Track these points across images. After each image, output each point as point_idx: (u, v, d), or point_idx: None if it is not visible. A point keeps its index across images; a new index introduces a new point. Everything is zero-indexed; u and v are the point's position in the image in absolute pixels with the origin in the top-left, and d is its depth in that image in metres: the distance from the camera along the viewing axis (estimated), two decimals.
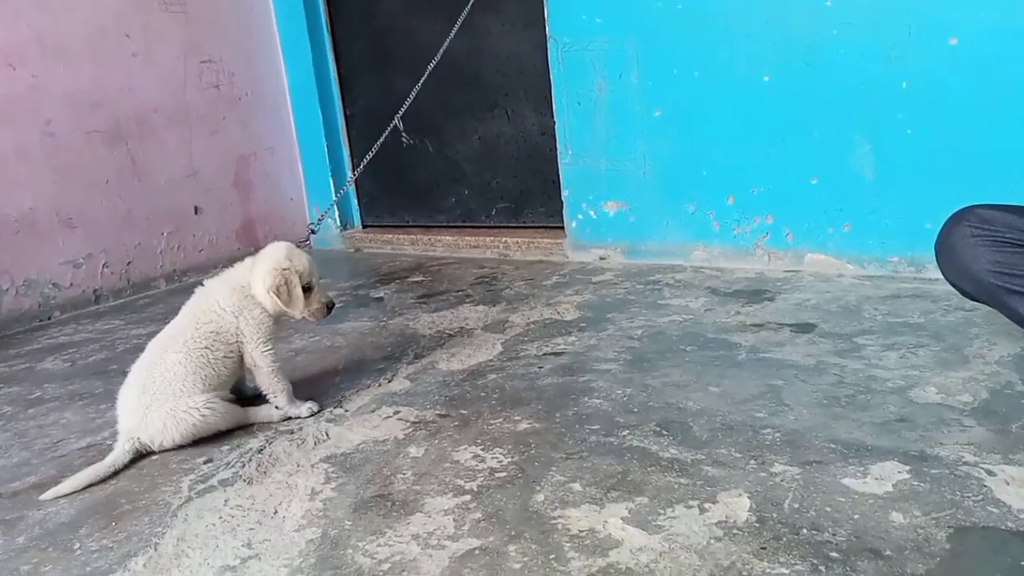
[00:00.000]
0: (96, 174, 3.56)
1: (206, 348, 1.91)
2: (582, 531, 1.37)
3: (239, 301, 1.97)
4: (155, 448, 1.85)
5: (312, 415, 2.01)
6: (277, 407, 2.00)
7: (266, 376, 1.98)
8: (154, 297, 3.68)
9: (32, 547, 1.51)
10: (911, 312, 2.31)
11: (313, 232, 2.41)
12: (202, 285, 2.02)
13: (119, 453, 1.82)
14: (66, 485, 1.72)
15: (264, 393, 2.01)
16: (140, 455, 1.86)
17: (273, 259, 1.97)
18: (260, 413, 2.00)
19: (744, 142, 2.95)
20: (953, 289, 1.92)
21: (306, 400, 2.04)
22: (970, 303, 2.20)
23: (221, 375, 1.95)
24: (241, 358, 1.99)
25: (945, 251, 1.84)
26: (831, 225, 2.84)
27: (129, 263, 3.70)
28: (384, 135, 2.61)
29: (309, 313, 2.02)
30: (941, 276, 1.94)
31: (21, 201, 3.30)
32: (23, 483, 1.80)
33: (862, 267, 2.79)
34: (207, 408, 1.87)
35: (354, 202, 4.54)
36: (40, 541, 1.53)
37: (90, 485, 1.74)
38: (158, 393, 1.84)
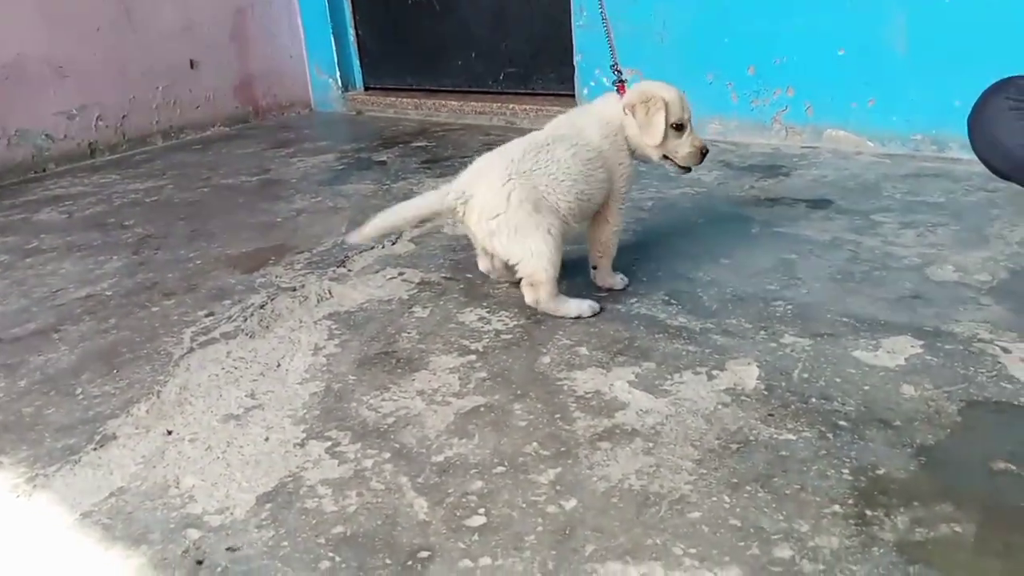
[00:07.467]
0: (88, 22, 3.39)
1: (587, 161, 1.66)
2: (588, 392, 1.35)
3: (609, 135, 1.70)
4: (471, 221, 1.61)
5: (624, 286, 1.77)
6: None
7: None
8: (151, 153, 3.58)
9: (34, 390, 1.51)
10: (931, 191, 2.24)
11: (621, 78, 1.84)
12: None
13: (437, 196, 1.62)
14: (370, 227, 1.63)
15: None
16: (438, 216, 1.71)
17: (640, 85, 1.72)
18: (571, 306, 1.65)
19: (770, 8, 2.79)
20: (976, 169, 1.86)
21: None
22: (992, 183, 2.14)
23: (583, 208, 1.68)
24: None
25: (978, 123, 1.76)
26: (854, 100, 2.72)
27: (124, 117, 3.58)
28: None
29: (679, 156, 1.73)
30: (964, 156, 1.87)
31: (8, 47, 3.15)
32: (23, 329, 1.79)
33: (883, 145, 2.69)
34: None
35: (356, 63, 4.36)
36: (42, 385, 1.53)
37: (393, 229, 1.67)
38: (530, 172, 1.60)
